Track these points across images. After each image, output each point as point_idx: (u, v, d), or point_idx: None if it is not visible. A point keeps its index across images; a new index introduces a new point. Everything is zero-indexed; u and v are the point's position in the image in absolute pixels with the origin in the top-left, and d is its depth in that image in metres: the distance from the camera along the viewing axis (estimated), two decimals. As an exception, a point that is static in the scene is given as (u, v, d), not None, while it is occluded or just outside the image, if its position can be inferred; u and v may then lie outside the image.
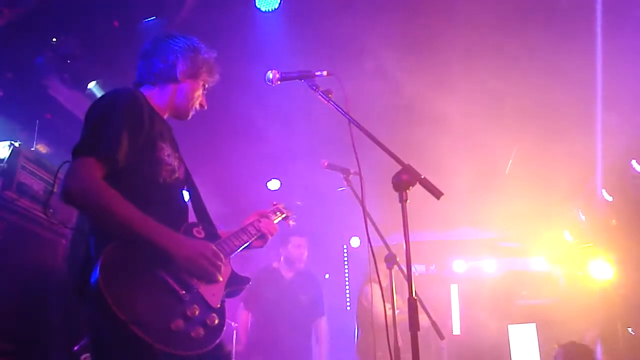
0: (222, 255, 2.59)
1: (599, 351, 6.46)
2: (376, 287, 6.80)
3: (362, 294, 6.87)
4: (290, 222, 3.59)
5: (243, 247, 2.93)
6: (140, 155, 2.52)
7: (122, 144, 2.42)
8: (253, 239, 3.04)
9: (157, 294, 2.29)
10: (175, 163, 2.72)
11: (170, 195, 2.66)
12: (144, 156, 2.54)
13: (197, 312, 2.37)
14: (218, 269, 2.51)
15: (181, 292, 2.36)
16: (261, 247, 3.18)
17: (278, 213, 3.40)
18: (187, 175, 2.89)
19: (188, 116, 2.98)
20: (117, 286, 2.19)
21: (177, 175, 2.71)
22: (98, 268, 2.18)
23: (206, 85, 3.00)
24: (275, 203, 3.46)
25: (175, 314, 2.30)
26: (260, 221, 3.15)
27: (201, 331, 2.35)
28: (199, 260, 2.42)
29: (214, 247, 2.57)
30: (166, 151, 2.66)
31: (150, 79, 2.85)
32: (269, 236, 3.17)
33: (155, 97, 2.83)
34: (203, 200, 2.93)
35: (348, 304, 10.55)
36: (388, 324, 3.38)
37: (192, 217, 2.85)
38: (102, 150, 2.37)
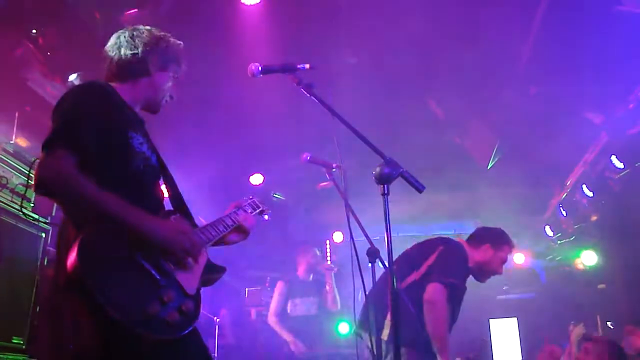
0: (199, 238, 2.61)
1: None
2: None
3: None
4: (266, 217, 3.59)
5: (220, 237, 2.92)
6: (111, 143, 2.51)
7: (92, 132, 2.42)
8: (230, 229, 3.04)
9: (133, 278, 2.30)
10: (148, 152, 2.71)
11: (145, 182, 2.65)
12: (115, 144, 2.53)
13: (172, 298, 2.37)
14: (197, 250, 2.53)
15: (157, 277, 2.36)
16: (242, 240, 3.17)
17: (254, 206, 3.40)
18: (162, 165, 2.88)
19: (159, 109, 2.96)
20: (95, 269, 2.19)
21: (151, 163, 2.70)
22: (75, 252, 2.18)
23: (175, 76, 2.98)
24: (251, 197, 3.46)
25: (152, 298, 2.30)
26: (237, 213, 3.15)
27: (176, 316, 2.35)
28: (177, 237, 2.44)
29: (192, 227, 2.58)
30: (138, 140, 2.65)
31: (120, 74, 2.81)
32: (248, 229, 3.16)
33: (126, 91, 2.79)
34: (180, 190, 2.92)
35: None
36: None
37: (168, 207, 2.83)
38: (73, 139, 2.36)
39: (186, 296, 2.47)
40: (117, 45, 2.83)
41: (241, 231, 3.13)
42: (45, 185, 2.30)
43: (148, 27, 2.92)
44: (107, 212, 2.29)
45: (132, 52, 2.80)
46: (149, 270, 2.34)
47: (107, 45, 2.87)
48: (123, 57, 2.80)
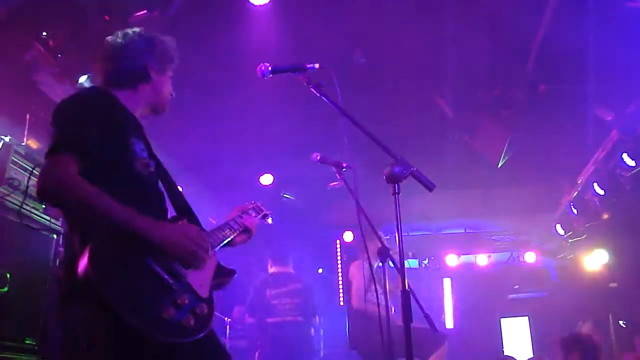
0: (206, 239, 2.60)
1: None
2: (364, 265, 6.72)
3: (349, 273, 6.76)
4: (269, 220, 3.63)
5: (227, 240, 2.95)
6: (113, 149, 2.51)
7: (94, 138, 2.41)
8: (236, 233, 3.06)
9: (146, 283, 2.29)
10: (148, 158, 2.71)
11: (148, 188, 2.66)
12: (117, 150, 2.53)
13: (186, 301, 2.37)
14: (204, 250, 2.51)
15: (170, 281, 2.36)
16: (244, 242, 3.19)
17: (258, 210, 3.45)
18: (162, 171, 2.88)
19: (165, 110, 2.97)
20: (107, 276, 2.18)
21: (151, 169, 2.70)
22: (86, 259, 2.17)
23: (172, 74, 2.98)
24: (253, 202, 3.49)
25: (166, 303, 2.30)
26: (242, 217, 3.17)
27: (191, 320, 2.35)
28: (184, 241, 2.42)
29: (198, 229, 2.58)
30: (139, 146, 2.65)
31: (120, 81, 2.79)
32: (253, 231, 3.19)
33: (128, 98, 2.77)
34: (184, 196, 2.92)
35: (341, 298, 10.56)
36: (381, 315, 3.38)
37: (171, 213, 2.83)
38: (75, 145, 2.35)
39: (200, 299, 2.47)
40: (113, 54, 2.83)
41: (246, 233, 3.17)
42: (48, 192, 2.30)
43: (137, 30, 2.90)
44: (111, 217, 2.27)
45: (129, 60, 2.80)
46: (160, 274, 2.34)
47: (102, 54, 2.86)
48: (121, 65, 2.80)
